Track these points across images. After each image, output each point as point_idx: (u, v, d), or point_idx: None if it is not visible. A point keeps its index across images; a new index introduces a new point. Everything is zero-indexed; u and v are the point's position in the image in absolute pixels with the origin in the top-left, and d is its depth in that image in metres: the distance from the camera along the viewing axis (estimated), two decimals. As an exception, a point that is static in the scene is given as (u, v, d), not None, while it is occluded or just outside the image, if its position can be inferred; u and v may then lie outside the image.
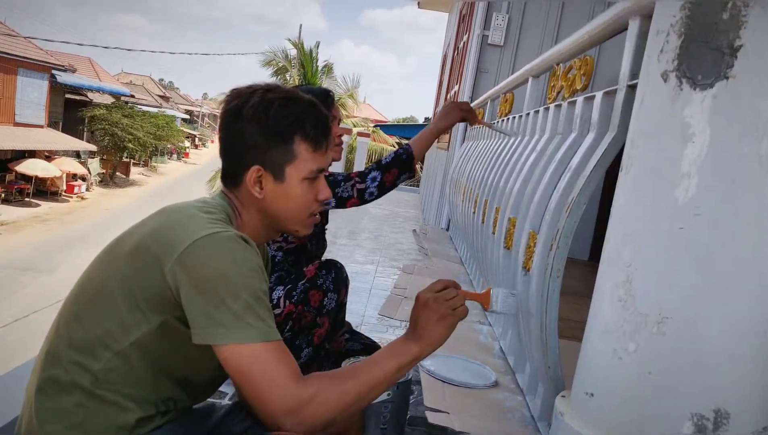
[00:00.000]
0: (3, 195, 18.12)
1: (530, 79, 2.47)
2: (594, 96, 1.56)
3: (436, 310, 1.12)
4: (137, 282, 1.06)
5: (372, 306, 2.99)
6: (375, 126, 22.79)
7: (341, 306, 2.20)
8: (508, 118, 2.87)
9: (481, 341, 2.27)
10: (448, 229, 5.50)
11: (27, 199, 19.11)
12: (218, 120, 1.22)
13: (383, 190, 1.92)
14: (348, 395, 1.02)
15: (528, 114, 2.39)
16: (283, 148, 1.16)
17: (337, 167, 4.31)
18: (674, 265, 1.06)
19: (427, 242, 5.05)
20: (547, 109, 2.07)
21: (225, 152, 1.22)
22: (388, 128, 23.78)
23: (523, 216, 1.80)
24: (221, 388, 2.13)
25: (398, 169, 1.91)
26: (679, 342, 1.06)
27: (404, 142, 22.28)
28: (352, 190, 1.91)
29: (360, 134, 11.38)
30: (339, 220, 6.24)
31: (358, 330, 2.29)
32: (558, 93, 1.94)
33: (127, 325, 1.06)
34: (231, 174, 1.22)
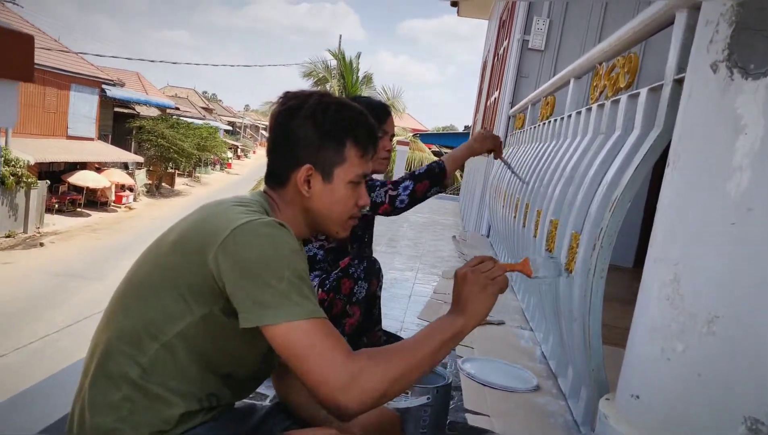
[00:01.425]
0: (57, 205, 18.86)
1: (572, 81, 2.43)
2: (638, 93, 1.52)
3: (476, 282, 1.12)
4: (181, 273, 1.09)
5: (411, 312, 2.97)
6: (414, 135, 22.83)
7: (374, 298, 2.21)
8: (549, 121, 2.83)
9: (522, 346, 2.23)
10: (488, 236, 5.44)
11: (78, 210, 19.85)
12: (270, 119, 1.26)
13: (414, 199, 1.96)
14: (396, 368, 1.02)
15: (570, 115, 2.35)
16: (334, 149, 1.21)
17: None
18: (725, 263, 1.02)
19: (466, 248, 5.01)
20: (589, 109, 2.03)
21: (276, 150, 1.25)
22: (427, 137, 23.79)
23: (565, 217, 1.77)
24: (262, 390, 2.16)
25: (430, 181, 1.96)
26: (730, 342, 1.01)
27: (444, 150, 22.24)
28: (385, 196, 1.96)
29: (399, 143, 11.41)
30: (379, 228, 6.26)
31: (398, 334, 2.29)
32: (601, 92, 1.90)
33: (172, 316, 1.09)
34: (279, 172, 1.25)
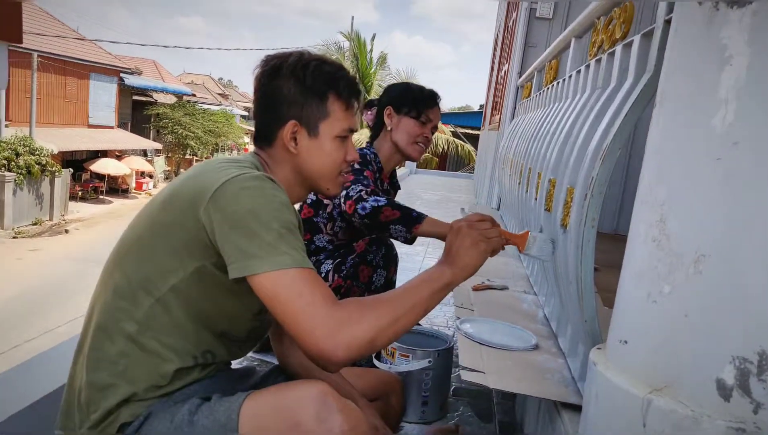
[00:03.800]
0: (80, 193, 19.22)
1: (573, 41, 2.38)
2: (632, 41, 1.49)
3: (469, 236, 1.13)
4: (173, 228, 1.11)
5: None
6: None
7: (390, 284, 2.20)
8: (552, 85, 2.78)
9: (525, 309, 2.22)
10: (498, 209, 5.40)
11: (101, 197, 20.21)
12: (254, 82, 1.28)
13: (375, 216, 1.83)
14: (383, 317, 1.02)
15: (570, 76, 2.30)
16: (318, 104, 1.22)
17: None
18: (711, 200, 0.99)
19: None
20: (588, 66, 1.99)
21: (261, 111, 1.27)
22: (444, 117, 23.64)
23: (562, 174, 1.74)
24: (269, 359, 2.18)
25: (401, 214, 1.83)
26: (717, 281, 0.99)
27: (459, 130, 22.06)
28: (356, 194, 1.86)
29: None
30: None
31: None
32: (599, 47, 1.86)
33: (165, 271, 1.11)
34: (265, 132, 1.27)
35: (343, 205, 1.92)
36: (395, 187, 2.42)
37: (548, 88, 2.93)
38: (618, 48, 1.60)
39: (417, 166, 13.53)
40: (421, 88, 2.23)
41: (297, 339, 1.02)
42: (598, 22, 1.90)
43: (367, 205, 1.83)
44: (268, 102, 1.24)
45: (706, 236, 0.99)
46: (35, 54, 16.78)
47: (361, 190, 1.86)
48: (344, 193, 1.91)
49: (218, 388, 1.19)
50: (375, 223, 1.84)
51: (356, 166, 2.00)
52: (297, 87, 1.20)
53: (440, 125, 21.50)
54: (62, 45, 18.40)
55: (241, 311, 1.22)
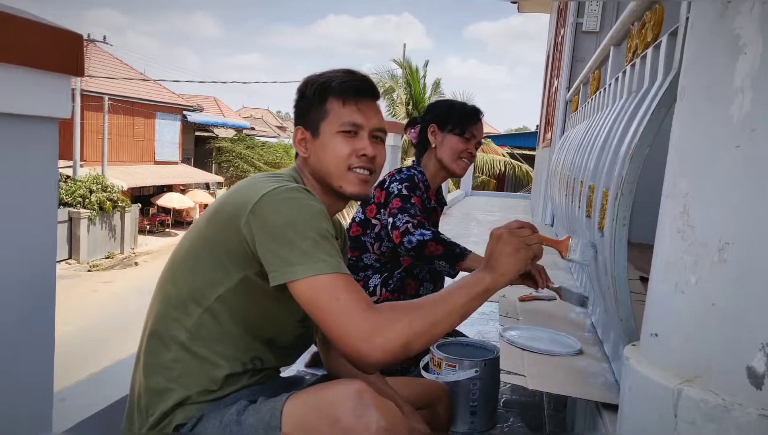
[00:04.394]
0: (148, 227, 20.13)
1: (611, 49, 2.39)
2: (660, 42, 1.50)
3: (510, 243, 1.14)
4: (218, 240, 1.20)
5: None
6: (485, 137, 22.58)
7: None
8: (595, 96, 2.78)
9: (572, 318, 2.20)
10: (552, 226, 5.34)
11: (167, 230, 21.07)
12: None
13: (421, 250, 1.85)
14: (418, 321, 1.06)
15: (610, 84, 2.31)
16: (317, 108, 1.32)
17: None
18: (732, 187, 1.00)
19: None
20: (624, 72, 2.00)
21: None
22: (499, 139, 23.50)
23: (599, 178, 1.75)
24: (320, 374, 2.24)
25: (445, 250, 1.85)
26: (743, 268, 0.99)
27: (516, 151, 21.88)
28: (403, 226, 1.88)
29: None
30: (445, 227, 6.27)
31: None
32: (633, 52, 1.87)
33: (213, 281, 1.20)
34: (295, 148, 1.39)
35: (390, 233, 1.96)
36: (441, 203, 2.46)
37: (592, 99, 2.93)
38: (649, 51, 1.62)
39: (472, 188, 13.46)
40: (463, 105, 2.26)
41: (335, 341, 1.07)
42: (632, 28, 1.92)
43: (413, 238, 1.85)
44: (294, 121, 1.37)
45: (728, 224, 1.00)
46: (106, 97, 17.96)
47: (408, 223, 1.89)
48: (391, 220, 1.94)
49: (266, 394, 1.25)
50: (420, 256, 1.88)
51: (404, 191, 2.02)
52: (302, 100, 1.32)
53: (496, 147, 21.42)
54: (129, 87, 19.63)
55: (285, 318, 1.29)
